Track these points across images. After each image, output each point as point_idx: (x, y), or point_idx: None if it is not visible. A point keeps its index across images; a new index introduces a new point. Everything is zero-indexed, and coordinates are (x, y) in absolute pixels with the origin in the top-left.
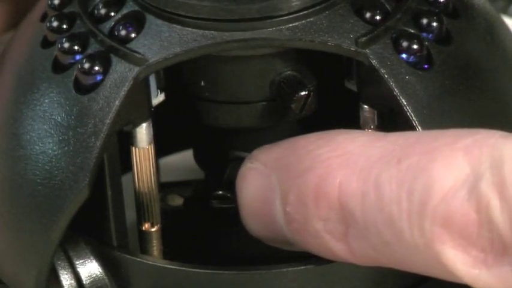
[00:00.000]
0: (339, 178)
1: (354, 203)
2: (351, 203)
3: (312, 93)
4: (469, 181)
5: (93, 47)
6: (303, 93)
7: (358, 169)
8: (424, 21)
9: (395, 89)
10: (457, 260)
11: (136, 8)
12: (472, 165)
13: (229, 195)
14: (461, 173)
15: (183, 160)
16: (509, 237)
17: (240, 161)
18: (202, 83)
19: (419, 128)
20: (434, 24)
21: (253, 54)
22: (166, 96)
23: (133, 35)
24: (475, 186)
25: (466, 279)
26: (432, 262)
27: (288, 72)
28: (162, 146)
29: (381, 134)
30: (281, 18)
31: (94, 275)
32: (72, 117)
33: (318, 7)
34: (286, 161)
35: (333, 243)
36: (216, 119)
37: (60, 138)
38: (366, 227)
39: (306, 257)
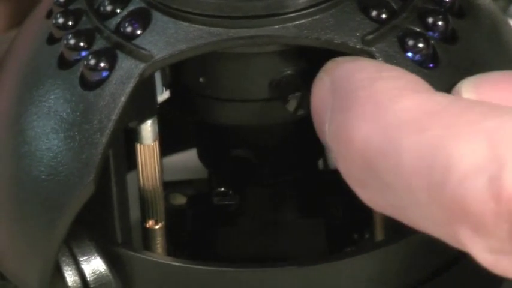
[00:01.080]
0: (367, 129)
1: (376, 159)
2: (373, 158)
3: (307, 94)
4: (490, 168)
5: (99, 44)
6: (296, 94)
7: (384, 127)
8: (430, 20)
9: None
10: (474, 243)
11: (143, 4)
12: (494, 152)
13: (230, 192)
14: (483, 158)
15: (186, 159)
16: None
17: (243, 159)
18: (206, 81)
19: None
20: (440, 23)
21: (258, 51)
22: (171, 93)
23: (139, 32)
24: (496, 175)
25: (483, 263)
26: (449, 236)
27: (288, 71)
28: (167, 145)
29: (414, 90)
30: (287, 16)
31: (98, 272)
32: (78, 114)
33: (324, 5)
34: (340, 88)
35: (354, 186)
36: (221, 117)
37: (66, 134)
38: (385, 185)
39: (310, 256)
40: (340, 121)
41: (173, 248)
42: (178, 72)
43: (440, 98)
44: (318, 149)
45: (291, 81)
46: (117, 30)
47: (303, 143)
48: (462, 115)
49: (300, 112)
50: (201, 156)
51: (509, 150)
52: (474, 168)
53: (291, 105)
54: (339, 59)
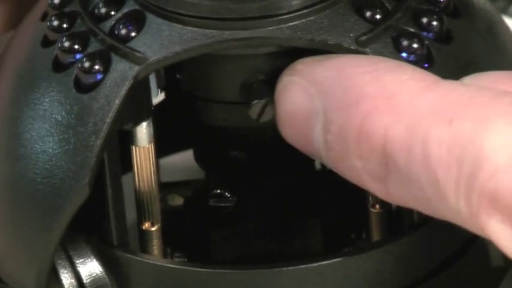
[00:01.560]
0: (385, 123)
1: (398, 153)
2: (395, 152)
3: (268, 103)
4: None
5: (93, 46)
6: (255, 101)
7: (407, 119)
8: (425, 20)
9: None
10: (502, 234)
11: (137, 7)
12: None
13: (227, 194)
14: None
15: (183, 160)
16: None
17: (240, 160)
18: (202, 82)
19: None
20: (435, 23)
21: (253, 53)
22: (166, 95)
23: (133, 34)
24: None
25: (510, 254)
26: (474, 226)
27: (260, 77)
28: (162, 146)
29: (430, 81)
30: (281, 17)
31: (94, 274)
32: (73, 116)
33: (318, 6)
34: (330, 87)
35: (370, 182)
36: (217, 118)
37: (61, 137)
38: (408, 178)
39: (307, 256)
40: (346, 119)
41: (170, 250)
42: (173, 74)
43: (464, 88)
44: None
45: (258, 87)
46: (112, 33)
47: None
48: (491, 106)
49: (264, 119)
50: (197, 157)
51: None
52: (506, 161)
53: (254, 111)
54: (308, 60)
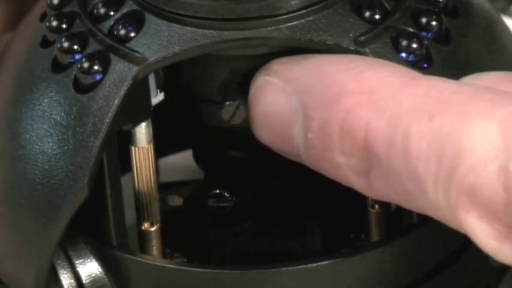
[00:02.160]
0: (367, 118)
1: (380, 147)
2: (377, 146)
3: (240, 106)
4: (501, 158)
5: (92, 47)
6: (228, 103)
7: (388, 114)
8: (424, 20)
9: None
10: (479, 229)
11: (136, 7)
12: (505, 141)
13: (226, 194)
14: (494, 146)
15: (183, 160)
16: None
17: (239, 160)
18: (201, 83)
19: None
20: (434, 23)
21: (252, 53)
22: (165, 95)
23: (132, 34)
24: (506, 165)
25: (487, 249)
26: (452, 221)
27: (238, 78)
28: (162, 146)
29: (411, 77)
30: (280, 17)
31: (94, 275)
32: (72, 117)
33: (317, 6)
34: (310, 85)
35: (352, 177)
36: (216, 118)
37: (60, 137)
38: (389, 172)
39: (306, 256)
40: (327, 116)
41: (169, 250)
42: (173, 75)
43: (445, 84)
44: None
45: (234, 88)
46: (111, 33)
47: None
48: (472, 102)
49: (235, 121)
50: (197, 158)
51: None
52: (485, 156)
53: (226, 112)
54: (284, 60)
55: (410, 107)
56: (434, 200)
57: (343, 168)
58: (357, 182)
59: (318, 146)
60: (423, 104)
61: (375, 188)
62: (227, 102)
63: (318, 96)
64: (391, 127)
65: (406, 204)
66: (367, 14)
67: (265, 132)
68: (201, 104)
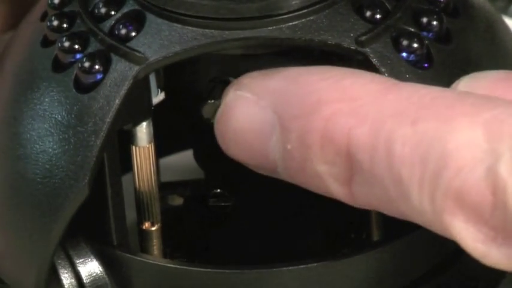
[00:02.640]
0: (348, 125)
1: (362, 154)
2: (359, 153)
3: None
4: (487, 160)
5: (93, 46)
6: (211, 101)
7: (370, 120)
8: (424, 20)
9: None
10: (466, 233)
11: (137, 6)
12: (491, 144)
13: (227, 193)
14: (480, 150)
15: (183, 160)
16: None
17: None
18: (201, 82)
19: None
20: (435, 23)
21: (253, 53)
22: (166, 95)
23: (133, 34)
24: (493, 167)
25: (474, 253)
26: (438, 226)
27: (226, 78)
28: (162, 146)
29: (391, 84)
30: (281, 17)
31: (94, 274)
32: (73, 116)
33: (318, 6)
34: (286, 96)
35: (334, 186)
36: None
37: (61, 137)
38: (372, 179)
39: (306, 256)
40: (307, 126)
41: (170, 250)
42: (174, 74)
43: (426, 89)
44: None
45: (220, 87)
46: (111, 33)
47: None
48: (455, 107)
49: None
50: (197, 157)
51: (505, 142)
52: (471, 160)
53: (206, 111)
54: (255, 74)
55: (392, 113)
56: (418, 206)
57: (324, 178)
58: (338, 191)
59: (297, 157)
60: (405, 109)
61: (357, 195)
62: (209, 101)
63: (295, 107)
64: (373, 133)
65: (389, 210)
66: (368, 13)
67: (237, 149)
68: (201, 103)
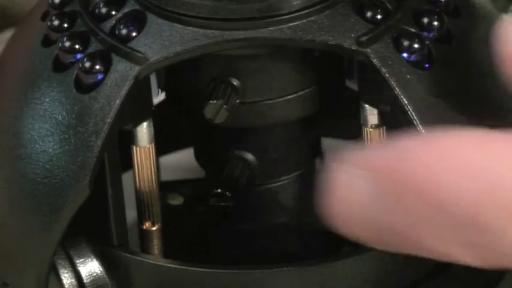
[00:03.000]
0: (498, 220)
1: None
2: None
3: (223, 106)
4: None
5: (94, 46)
6: (213, 101)
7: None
8: (425, 20)
9: (396, 88)
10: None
11: (137, 7)
12: None
13: (227, 193)
14: None
15: (184, 159)
16: None
17: (239, 160)
18: (202, 82)
19: (420, 127)
20: (435, 23)
21: (254, 53)
22: (166, 95)
23: (134, 34)
24: None
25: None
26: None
27: (227, 78)
28: (163, 145)
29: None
30: (282, 18)
31: (94, 274)
32: (73, 116)
33: (318, 6)
34: (402, 174)
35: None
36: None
37: (61, 137)
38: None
39: (307, 256)
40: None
41: (170, 249)
42: (173, 74)
43: None
44: (314, 150)
45: (224, 87)
46: (112, 33)
47: (300, 144)
48: None
49: (218, 120)
50: (198, 157)
51: None
52: None
53: (208, 111)
54: (356, 147)
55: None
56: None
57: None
58: (464, 255)
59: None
60: None
61: (487, 259)
62: (211, 101)
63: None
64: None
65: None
66: (369, 14)
67: (347, 223)
68: (202, 103)
